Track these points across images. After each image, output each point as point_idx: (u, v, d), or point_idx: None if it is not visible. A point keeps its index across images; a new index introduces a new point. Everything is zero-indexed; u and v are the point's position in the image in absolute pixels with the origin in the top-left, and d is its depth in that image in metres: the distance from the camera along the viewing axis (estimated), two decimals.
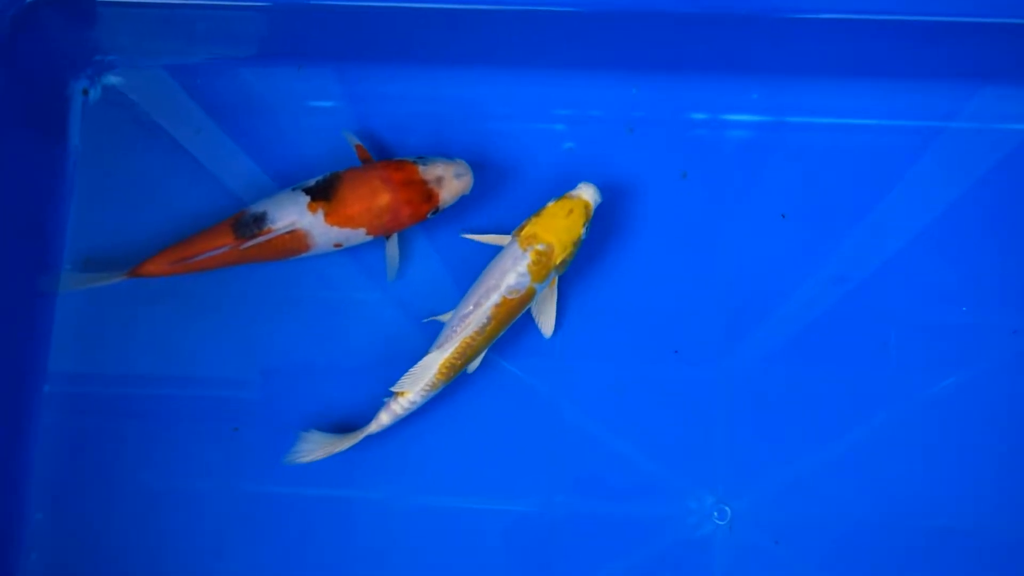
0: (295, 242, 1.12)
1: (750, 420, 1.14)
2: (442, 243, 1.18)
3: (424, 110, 1.20)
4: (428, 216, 1.14)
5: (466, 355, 1.08)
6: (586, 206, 1.08)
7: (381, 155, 1.19)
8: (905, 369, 1.15)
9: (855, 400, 1.14)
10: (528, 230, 1.08)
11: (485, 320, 1.07)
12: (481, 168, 1.17)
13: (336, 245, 1.13)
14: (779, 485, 1.13)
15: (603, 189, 1.16)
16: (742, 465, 1.14)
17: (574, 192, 1.09)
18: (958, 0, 1.10)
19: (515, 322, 1.11)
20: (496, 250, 1.10)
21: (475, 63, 1.20)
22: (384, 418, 1.09)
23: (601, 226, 1.17)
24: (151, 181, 1.20)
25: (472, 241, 1.15)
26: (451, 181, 1.12)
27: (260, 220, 1.11)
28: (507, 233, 1.10)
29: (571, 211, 1.07)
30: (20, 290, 1.16)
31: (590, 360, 1.16)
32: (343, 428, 1.13)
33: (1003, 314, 1.16)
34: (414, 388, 1.08)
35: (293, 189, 1.12)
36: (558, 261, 1.07)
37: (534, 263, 1.07)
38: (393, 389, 1.08)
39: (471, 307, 1.08)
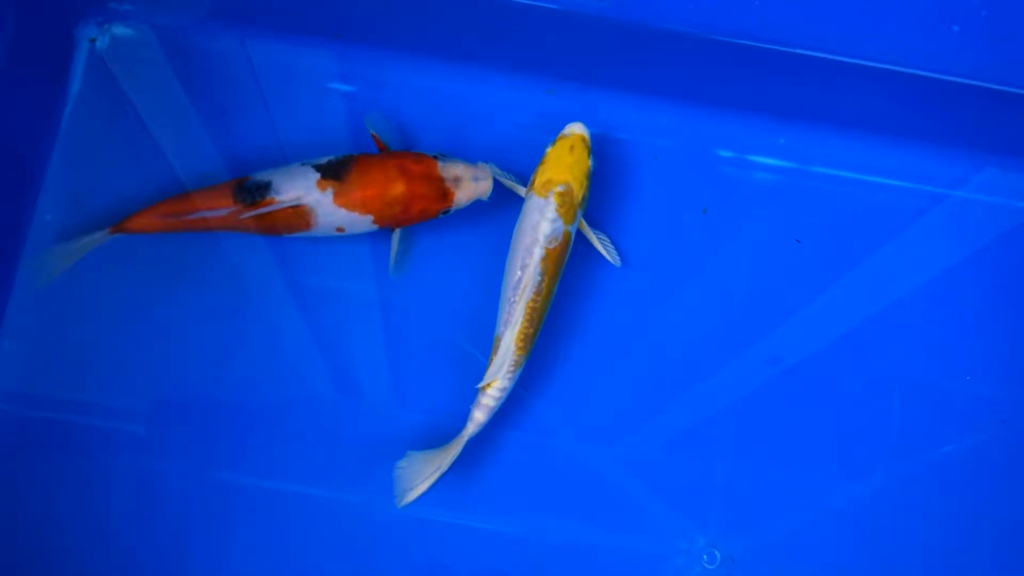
0: (297, 218, 1.06)
1: (750, 464, 1.10)
2: (448, 245, 1.13)
3: (446, 108, 1.16)
4: (438, 215, 1.09)
5: (534, 320, 1.04)
6: (583, 139, 1.07)
7: (395, 146, 1.14)
8: (908, 429, 1.12)
9: (855, 455, 1.11)
10: (541, 178, 1.06)
11: (539, 278, 1.04)
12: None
13: (338, 229, 1.07)
14: (772, 533, 1.09)
15: (620, 212, 1.14)
16: (737, 509, 1.09)
17: (565, 131, 1.07)
18: (987, 66, 1.10)
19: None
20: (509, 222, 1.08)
21: (506, 66, 1.16)
22: (479, 415, 1.04)
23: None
24: (148, 141, 1.13)
25: (467, 247, 1.13)
26: (469, 184, 1.08)
27: (264, 189, 1.05)
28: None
29: (572, 147, 1.06)
30: None
31: (592, 387, 1.12)
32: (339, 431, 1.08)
33: (998, 392, 1.14)
34: (500, 374, 1.03)
35: (303, 163, 1.07)
36: (579, 198, 1.06)
37: (560, 205, 1.05)
38: (480, 385, 1.04)
39: (519, 272, 1.04)
